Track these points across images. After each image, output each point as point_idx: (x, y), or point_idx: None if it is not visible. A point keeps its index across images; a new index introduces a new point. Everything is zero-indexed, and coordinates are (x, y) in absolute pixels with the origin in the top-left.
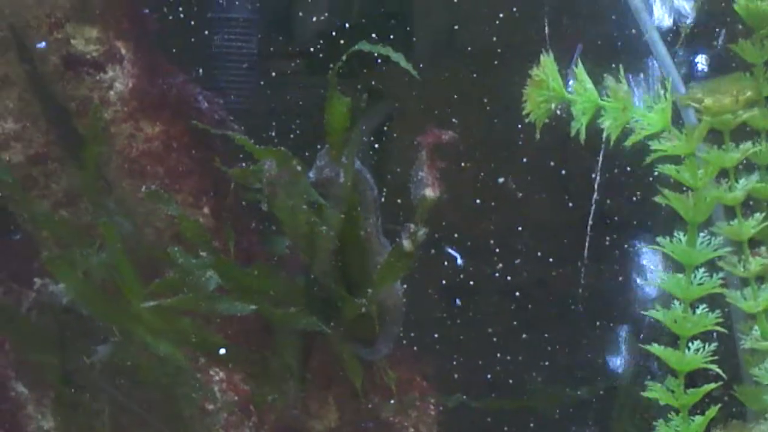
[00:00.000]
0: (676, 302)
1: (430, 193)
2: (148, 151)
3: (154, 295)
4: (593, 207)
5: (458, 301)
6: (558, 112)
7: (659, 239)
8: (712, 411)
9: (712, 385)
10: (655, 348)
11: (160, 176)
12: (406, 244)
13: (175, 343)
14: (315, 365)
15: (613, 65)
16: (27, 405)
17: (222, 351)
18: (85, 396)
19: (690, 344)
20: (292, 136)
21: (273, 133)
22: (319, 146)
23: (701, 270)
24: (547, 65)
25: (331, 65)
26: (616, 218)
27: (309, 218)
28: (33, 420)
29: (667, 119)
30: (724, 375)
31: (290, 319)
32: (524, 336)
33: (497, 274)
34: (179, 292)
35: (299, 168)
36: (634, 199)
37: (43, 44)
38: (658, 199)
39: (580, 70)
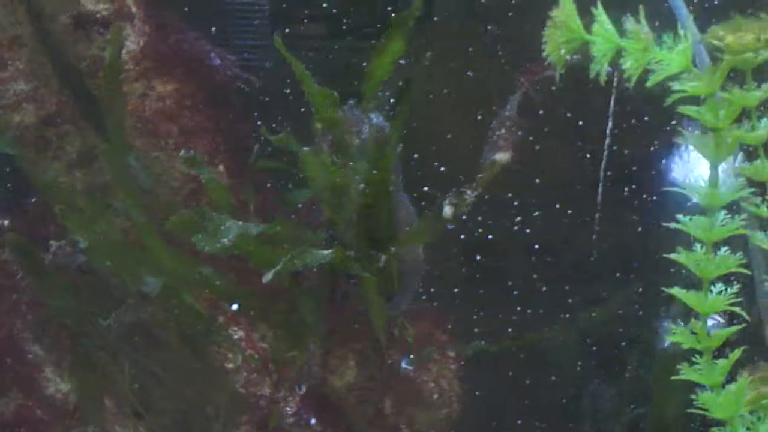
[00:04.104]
0: (698, 245)
1: (501, 157)
2: (162, 110)
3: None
4: (605, 153)
5: (478, 256)
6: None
7: (681, 182)
8: (736, 353)
9: (735, 328)
10: (677, 291)
11: (173, 135)
12: (447, 210)
13: (198, 290)
14: (334, 321)
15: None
16: (45, 367)
17: (235, 307)
18: (103, 357)
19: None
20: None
21: (287, 90)
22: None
23: (723, 212)
24: (566, 6)
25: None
26: (634, 168)
27: (341, 172)
28: (51, 382)
29: (689, 59)
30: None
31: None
32: (544, 289)
33: (516, 228)
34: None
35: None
36: (652, 148)
37: None
38: (678, 140)
39: (600, 11)
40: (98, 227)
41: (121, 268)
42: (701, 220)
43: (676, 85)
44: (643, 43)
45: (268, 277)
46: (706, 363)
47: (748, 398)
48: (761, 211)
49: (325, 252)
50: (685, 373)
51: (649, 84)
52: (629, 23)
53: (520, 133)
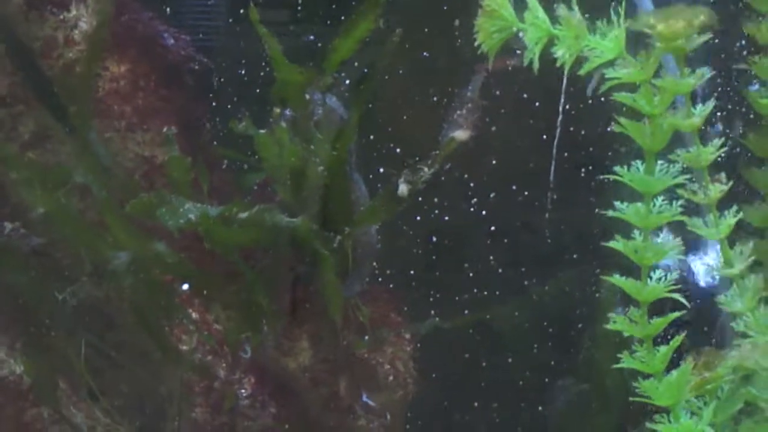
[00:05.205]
0: (636, 232)
1: (460, 135)
2: (115, 91)
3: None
4: (558, 131)
5: (434, 238)
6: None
7: (617, 168)
8: (677, 340)
9: (676, 314)
10: (615, 278)
11: (127, 115)
12: (403, 188)
13: (152, 266)
14: (287, 302)
15: None
16: None
17: (186, 287)
18: (57, 338)
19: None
20: (262, 74)
21: (242, 72)
22: None
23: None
24: None
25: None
26: (590, 149)
27: (297, 152)
28: (5, 364)
29: (621, 46)
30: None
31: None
32: (500, 272)
33: (472, 209)
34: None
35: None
36: (609, 129)
37: None
38: (614, 128)
39: None
40: (57, 199)
41: (79, 242)
42: (638, 206)
43: (610, 72)
44: (575, 30)
45: (242, 216)
46: (647, 350)
47: (692, 384)
48: (698, 198)
49: (293, 219)
50: (626, 361)
51: (582, 72)
52: (561, 9)
53: (476, 115)
